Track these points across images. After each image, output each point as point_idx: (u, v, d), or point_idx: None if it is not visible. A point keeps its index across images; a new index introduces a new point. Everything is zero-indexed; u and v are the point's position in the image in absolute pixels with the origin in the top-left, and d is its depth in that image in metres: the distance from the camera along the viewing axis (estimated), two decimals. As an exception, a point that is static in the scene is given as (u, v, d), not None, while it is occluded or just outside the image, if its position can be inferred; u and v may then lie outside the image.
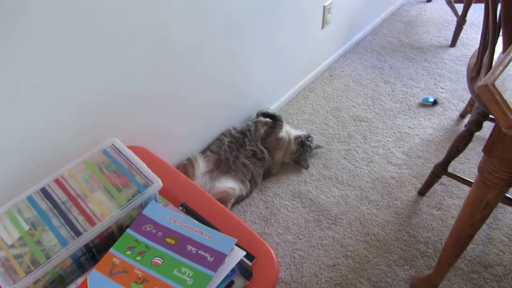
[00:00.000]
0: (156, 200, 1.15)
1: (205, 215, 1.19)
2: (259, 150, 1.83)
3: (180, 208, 1.21)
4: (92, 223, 1.03)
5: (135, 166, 1.15)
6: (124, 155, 1.18)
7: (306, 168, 1.92)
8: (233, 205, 1.77)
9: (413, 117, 2.14)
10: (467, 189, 1.78)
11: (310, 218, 1.73)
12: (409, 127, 2.09)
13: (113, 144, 1.21)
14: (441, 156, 1.92)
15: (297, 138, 1.90)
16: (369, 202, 1.77)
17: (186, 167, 1.73)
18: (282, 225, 1.72)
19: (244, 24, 1.71)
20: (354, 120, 2.14)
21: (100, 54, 1.24)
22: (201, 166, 1.75)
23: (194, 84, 1.63)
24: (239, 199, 1.78)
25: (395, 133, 2.06)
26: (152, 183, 1.11)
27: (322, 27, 2.23)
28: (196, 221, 1.10)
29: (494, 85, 0.87)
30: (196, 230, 1.06)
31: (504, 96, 0.85)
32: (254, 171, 1.80)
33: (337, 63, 2.53)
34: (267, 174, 1.89)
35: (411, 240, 1.63)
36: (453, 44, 2.59)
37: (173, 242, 1.04)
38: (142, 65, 1.38)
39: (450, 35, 2.63)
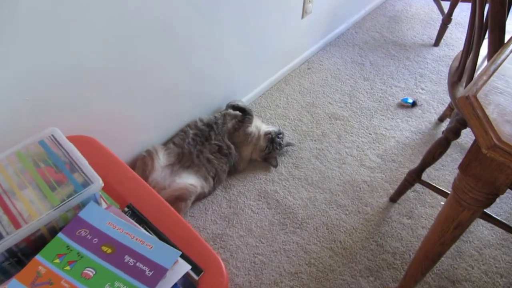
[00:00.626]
0: (96, 201, 1.02)
1: (153, 219, 1.07)
2: (225, 145, 1.71)
3: (126, 209, 1.09)
4: (17, 226, 0.91)
5: (74, 162, 1.02)
6: (63, 148, 1.05)
7: (275, 166, 1.81)
8: (194, 202, 1.66)
9: (390, 118, 2.05)
10: (440, 198, 1.70)
11: (274, 221, 1.63)
12: (385, 128, 2.00)
13: (52, 135, 1.08)
14: (416, 161, 1.84)
15: (267, 134, 1.78)
16: (338, 207, 1.68)
17: (145, 159, 1.60)
18: (245, 226, 1.61)
19: (218, 5, 1.57)
20: (330, 117, 2.04)
21: (45, 21, 1.08)
22: (162, 159, 1.62)
23: (158, 67, 1.49)
24: (201, 197, 1.67)
25: (370, 134, 1.97)
26: (92, 182, 0.98)
27: (302, 17, 2.11)
28: (138, 229, 0.98)
29: (476, 98, 0.77)
30: (136, 239, 0.95)
31: (486, 111, 0.75)
32: (219, 168, 1.68)
33: (316, 55, 2.41)
34: (233, 171, 1.78)
35: (379, 249, 1.55)
36: (436, 43, 2.51)
37: (109, 251, 0.92)
38: (96, 39, 1.23)
39: (434, 33, 2.54)
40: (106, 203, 1.09)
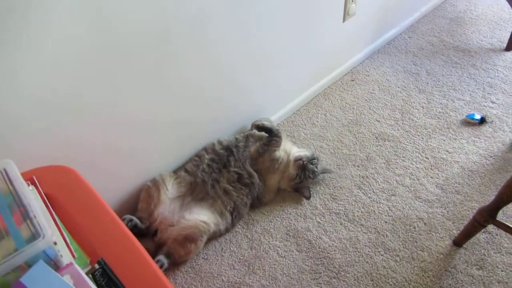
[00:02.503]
0: (50, 259, 0.77)
1: (130, 282, 0.81)
2: (246, 173, 1.44)
3: (97, 266, 0.83)
4: None
5: (23, 207, 0.78)
6: (14, 188, 0.81)
7: (308, 198, 1.51)
8: (208, 240, 1.39)
9: (452, 138, 1.68)
10: (521, 242, 1.32)
11: (305, 267, 1.32)
12: (446, 151, 1.63)
13: (4, 169, 0.85)
14: (487, 193, 1.46)
15: (297, 160, 1.49)
16: (386, 251, 1.34)
17: (150, 190, 1.36)
18: (268, 274, 1.32)
19: (240, 5, 1.31)
20: (376, 138, 1.71)
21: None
22: (170, 190, 1.37)
23: (164, 81, 1.25)
24: (216, 235, 1.40)
25: (427, 158, 1.61)
26: (39, 236, 0.73)
27: (344, 20, 1.80)
28: (93, 303, 0.71)
29: None
30: (88, 320, 0.68)
31: None
32: (238, 201, 1.41)
33: (361, 65, 2.10)
34: (257, 204, 1.49)
35: (440, 312, 1.19)
36: (509, 47, 2.11)
37: (50, 337, 0.66)
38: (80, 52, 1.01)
39: (506, 36, 2.14)
40: (73, 256, 0.85)
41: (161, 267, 1.24)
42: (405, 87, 1.94)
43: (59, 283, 0.72)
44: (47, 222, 0.83)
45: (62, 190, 0.97)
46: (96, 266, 0.83)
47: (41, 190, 0.95)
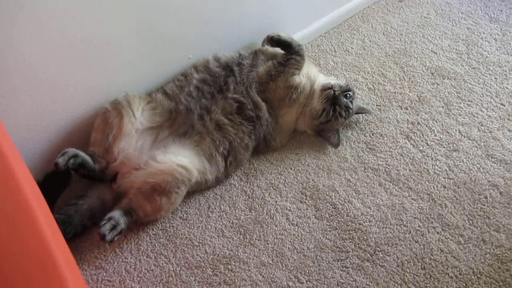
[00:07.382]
0: None
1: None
2: (250, 102, 1.07)
3: None
4: None
5: None
6: None
7: (336, 146, 1.14)
8: (191, 194, 1.01)
9: (538, 80, 1.26)
10: None
11: (326, 242, 0.98)
12: (530, 96, 1.22)
13: None
14: None
15: (326, 88, 1.09)
16: (445, 228, 0.98)
17: (108, 115, 0.98)
18: (272, 247, 0.98)
19: None
20: (432, 74, 1.34)
21: None
22: (139, 118, 1.00)
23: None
24: (201, 187, 1.04)
25: (503, 104, 1.24)
26: None
27: None
28: None
29: None
30: None
31: None
32: (236, 141, 1.05)
33: (415, -18, 1.66)
34: (264, 147, 1.13)
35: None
36: None
37: None
38: None
39: None
40: None
41: (112, 228, 0.85)
42: (471, 14, 1.51)
43: None
44: None
45: None
46: None
47: None
